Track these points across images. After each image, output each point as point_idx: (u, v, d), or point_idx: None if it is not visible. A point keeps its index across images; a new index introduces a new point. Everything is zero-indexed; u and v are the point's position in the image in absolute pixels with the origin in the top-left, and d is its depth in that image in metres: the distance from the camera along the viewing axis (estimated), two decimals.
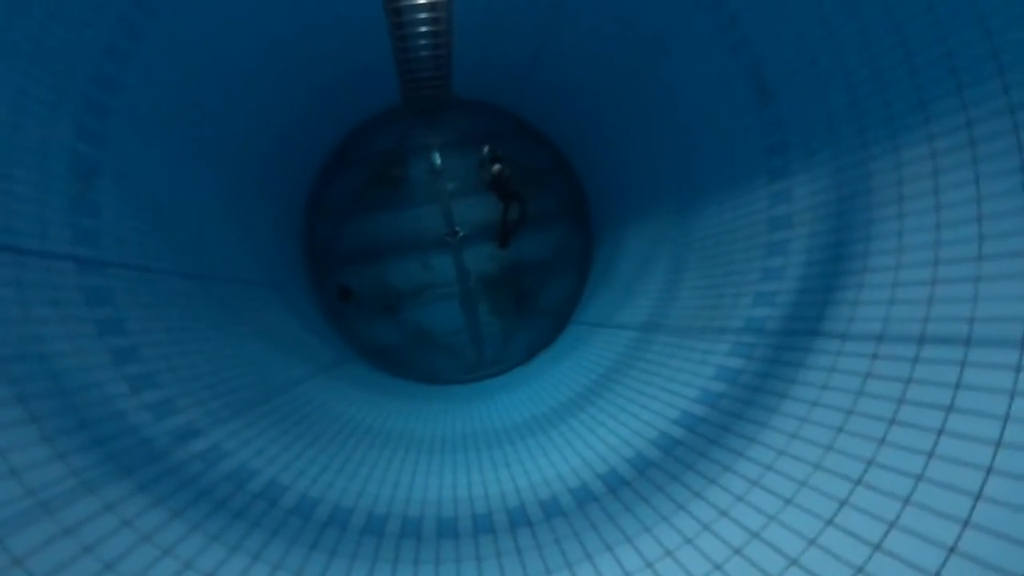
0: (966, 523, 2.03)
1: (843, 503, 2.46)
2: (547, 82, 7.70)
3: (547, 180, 8.59)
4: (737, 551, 2.50)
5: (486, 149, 7.43)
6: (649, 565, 2.67)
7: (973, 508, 2.05)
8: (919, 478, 2.37)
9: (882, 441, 2.58)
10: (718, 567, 2.47)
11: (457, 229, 8.12)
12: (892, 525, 2.27)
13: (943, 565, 2.00)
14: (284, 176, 7.55)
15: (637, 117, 6.19)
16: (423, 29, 6.62)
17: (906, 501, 2.31)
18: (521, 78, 8.01)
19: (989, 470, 2.08)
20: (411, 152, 8.57)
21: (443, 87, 8.57)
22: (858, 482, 2.50)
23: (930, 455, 2.31)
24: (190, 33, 4.47)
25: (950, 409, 2.35)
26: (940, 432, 2.33)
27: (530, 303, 8.23)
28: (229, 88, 5.39)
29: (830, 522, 2.42)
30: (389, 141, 8.61)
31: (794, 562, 2.35)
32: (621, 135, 6.76)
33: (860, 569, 2.21)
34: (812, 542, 2.38)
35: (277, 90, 6.49)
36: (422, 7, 6.16)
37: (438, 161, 8.49)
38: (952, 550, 2.01)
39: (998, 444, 2.10)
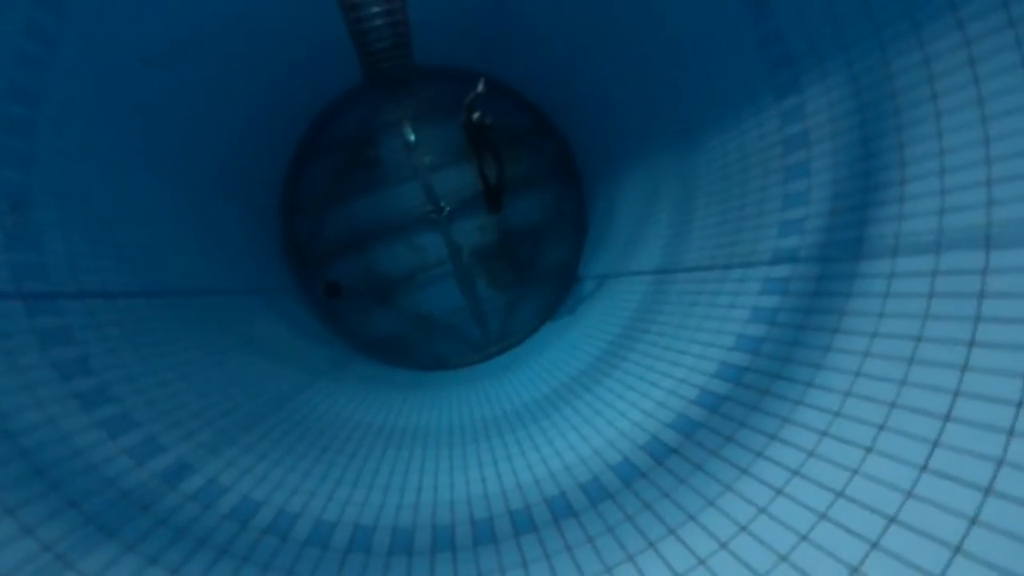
0: None
1: (935, 444, 2.15)
2: (513, 37, 7.21)
3: (529, 140, 8.13)
4: (823, 516, 2.19)
5: (480, 86, 6.22)
6: (743, 528, 2.37)
7: None
8: (1020, 405, 2.06)
9: (964, 368, 2.26)
10: (803, 537, 2.17)
11: (442, 204, 7.70)
12: (1000, 463, 1.96)
13: None
14: (250, 174, 7.10)
15: (617, 56, 5.73)
16: None
17: (1010, 433, 2.00)
18: (485, 36, 7.50)
19: None
20: (381, 130, 8.09)
21: (404, 56, 8.06)
22: (947, 418, 2.18)
23: None
24: (111, 27, 3.99)
25: None
26: None
27: (529, 270, 7.86)
28: (172, 84, 4.91)
29: (924, 468, 2.11)
30: (356, 122, 8.12)
31: (893, 520, 2.04)
32: (602, 79, 6.31)
33: (973, 519, 1.90)
34: (909, 494, 2.07)
35: (228, 80, 6.00)
36: None
37: (411, 135, 8.02)
38: None
39: None
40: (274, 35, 6.19)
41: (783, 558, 2.18)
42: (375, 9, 7.21)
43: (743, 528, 2.35)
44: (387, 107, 8.20)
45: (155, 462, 2.80)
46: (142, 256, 4.02)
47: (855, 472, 2.23)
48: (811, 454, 2.43)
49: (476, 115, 5.95)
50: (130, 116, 4.44)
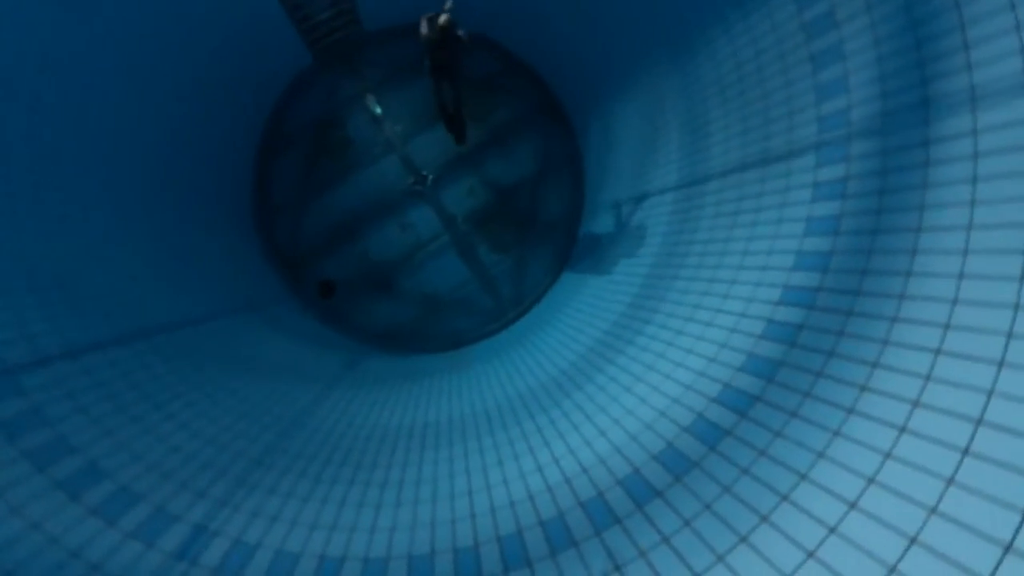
0: None
1: None
2: None
3: (500, 84, 7.53)
4: (950, 481, 1.80)
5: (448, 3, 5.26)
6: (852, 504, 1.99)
7: None
8: None
9: None
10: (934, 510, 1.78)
11: (424, 173, 7.18)
12: None
13: None
14: (213, 184, 6.58)
15: None
16: None
17: None
18: None
19: None
20: (344, 109, 7.51)
21: (352, 24, 7.42)
22: None
23: None
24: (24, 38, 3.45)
25: None
26: None
27: (530, 225, 7.39)
28: (105, 98, 4.39)
29: None
30: (316, 106, 7.53)
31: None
32: (574, 5, 5.70)
33: None
34: None
35: (168, 85, 5.45)
36: None
37: (376, 108, 7.44)
38: None
39: None
40: (208, 32, 5.61)
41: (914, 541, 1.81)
42: None
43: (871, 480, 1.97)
44: (344, 83, 7.59)
45: (168, 537, 2.43)
46: (105, 300, 3.58)
47: (976, 422, 1.83)
48: (927, 379, 2.02)
49: (444, 18, 4.95)
50: (69, 146, 3.94)
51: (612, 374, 3.84)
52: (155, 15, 4.97)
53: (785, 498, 2.15)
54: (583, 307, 5.42)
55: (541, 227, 7.40)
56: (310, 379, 4.89)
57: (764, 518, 2.17)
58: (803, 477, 2.17)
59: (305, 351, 5.69)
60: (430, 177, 7.17)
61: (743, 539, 2.17)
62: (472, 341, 7.18)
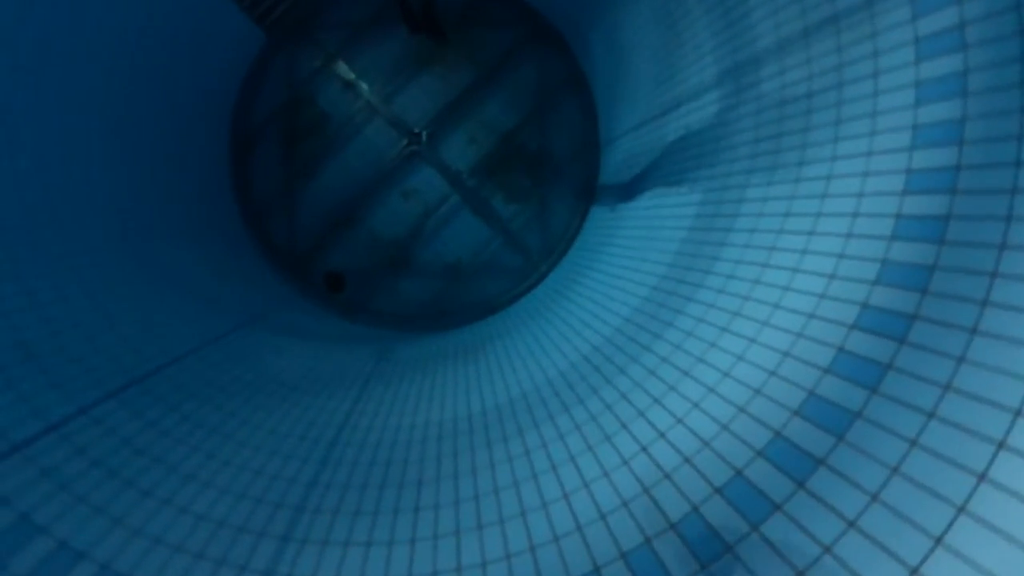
0: None
1: None
2: None
3: (487, 17, 6.68)
4: None
5: None
6: None
7: None
8: None
9: None
10: None
11: (416, 131, 6.43)
12: None
13: None
14: (192, 194, 5.94)
15: None
16: None
17: None
18: None
19: None
20: (311, 82, 6.75)
21: None
22: None
23: None
24: None
25: None
26: None
27: (545, 165, 6.64)
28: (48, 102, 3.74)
29: None
30: (280, 87, 6.79)
31: None
32: None
33: None
34: None
35: (119, 100, 4.78)
36: None
37: (345, 71, 6.67)
38: None
39: None
40: (149, 34, 4.92)
41: None
42: None
43: None
44: (305, 55, 6.80)
45: None
46: (80, 350, 2.99)
47: None
48: None
49: None
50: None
51: (687, 327, 3.19)
52: (86, 31, 4.30)
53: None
54: (628, 245, 4.74)
55: (557, 164, 6.65)
56: (341, 384, 4.32)
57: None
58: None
59: (330, 353, 5.11)
60: (424, 134, 6.43)
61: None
62: (506, 304, 6.56)
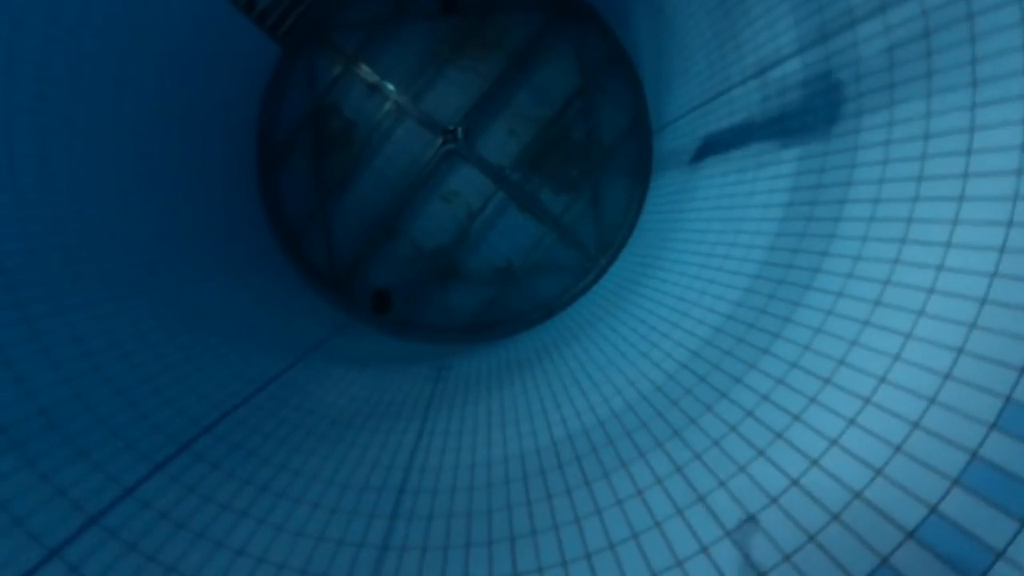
0: None
1: None
2: None
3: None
4: None
5: None
6: None
7: None
8: None
9: None
10: None
11: (450, 128, 5.99)
12: None
13: None
14: (225, 227, 5.62)
15: None
16: None
17: None
18: None
19: None
20: (333, 91, 6.38)
21: None
22: None
23: None
24: None
25: None
26: None
27: (594, 150, 6.12)
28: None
29: None
30: (302, 99, 6.44)
31: None
32: None
33: None
34: None
35: (145, 130, 4.48)
36: None
37: (368, 73, 6.27)
38: None
39: None
40: (167, 59, 4.65)
41: None
42: None
43: None
44: (324, 62, 6.43)
45: None
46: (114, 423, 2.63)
47: None
48: None
49: None
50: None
51: (813, 321, 2.64)
52: (106, 60, 4.02)
53: None
54: (704, 228, 4.20)
55: (606, 149, 6.12)
56: (401, 414, 3.90)
57: None
58: None
59: (386, 379, 4.71)
60: (459, 130, 5.98)
61: None
62: (565, 305, 6.07)
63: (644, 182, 6.06)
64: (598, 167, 6.10)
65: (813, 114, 3.24)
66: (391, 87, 6.16)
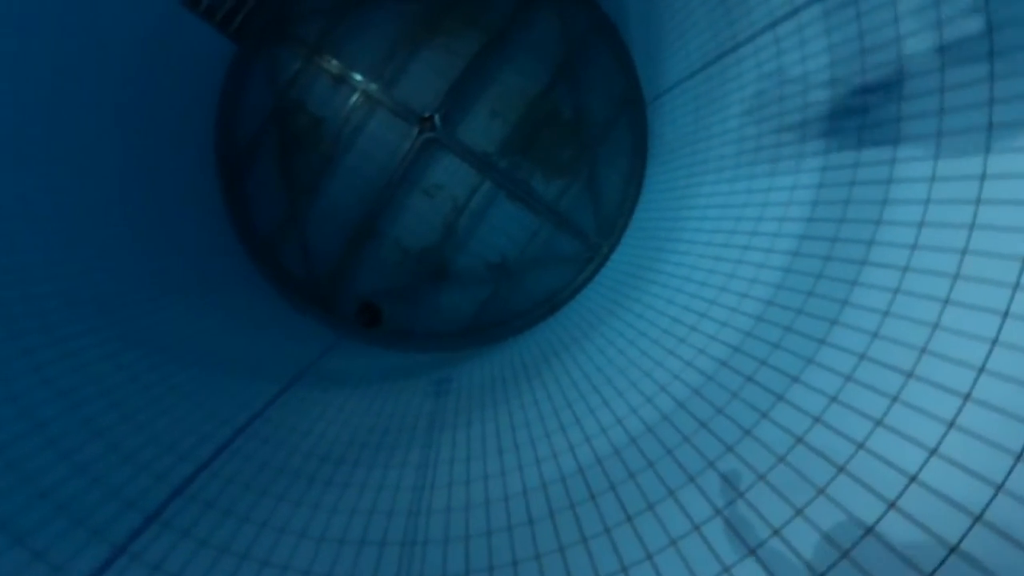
0: None
1: None
2: None
3: None
4: None
5: None
6: None
7: None
8: None
9: None
10: None
11: (427, 115, 5.49)
12: None
13: None
14: (192, 244, 5.12)
15: None
16: None
17: None
18: None
19: None
20: (296, 86, 5.87)
21: None
22: None
23: None
24: None
25: None
26: None
27: (585, 128, 5.65)
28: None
29: None
30: (263, 98, 5.92)
31: None
32: None
33: None
34: None
35: (102, 145, 3.98)
36: None
37: (332, 64, 5.76)
38: None
39: None
40: (123, 65, 4.16)
41: None
42: None
43: None
44: (282, 54, 5.91)
45: None
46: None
47: None
48: None
49: None
50: None
51: (876, 301, 2.20)
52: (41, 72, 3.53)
53: None
54: (726, 204, 3.75)
55: (599, 126, 5.65)
56: (400, 441, 3.45)
57: None
58: None
59: (381, 400, 4.25)
60: (436, 117, 5.48)
61: None
62: (569, 298, 5.62)
63: (642, 157, 5.61)
64: (591, 146, 5.64)
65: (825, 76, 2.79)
66: (359, 76, 5.65)
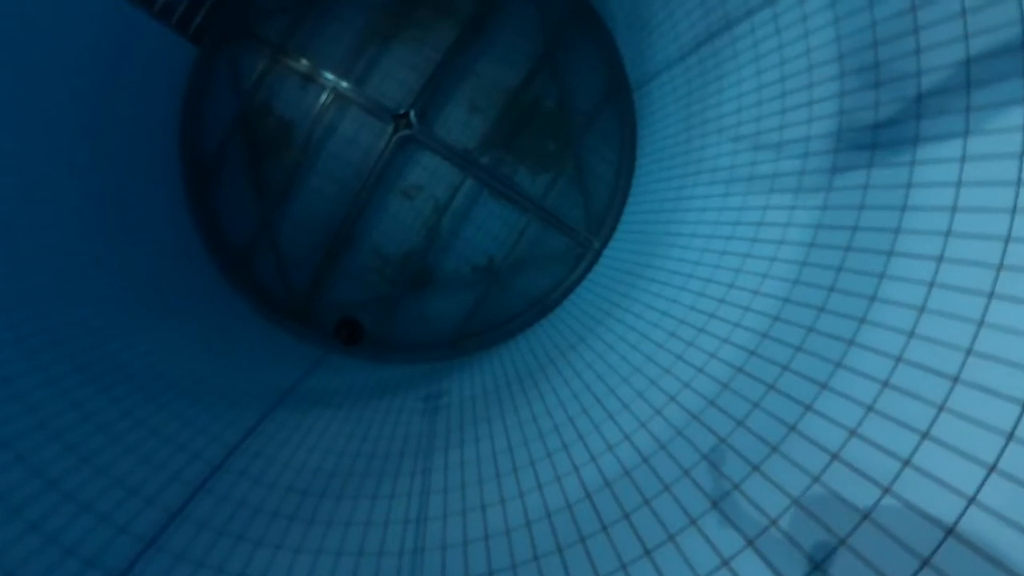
0: None
1: None
2: None
3: None
4: None
5: None
6: None
7: None
8: None
9: None
10: None
11: (402, 111, 5.20)
12: None
13: None
14: (155, 260, 4.82)
15: None
16: None
17: None
18: None
19: None
20: (262, 87, 5.56)
21: None
22: None
23: None
24: None
25: None
26: None
27: (570, 119, 5.39)
28: None
29: None
30: (228, 102, 5.61)
31: None
32: None
33: None
34: None
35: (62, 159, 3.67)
36: None
37: (299, 62, 5.45)
38: None
39: None
40: (84, 75, 3.85)
41: None
42: None
43: None
44: (245, 54, 5.60)
45: None
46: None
47: None
48: None
49: None
50: None
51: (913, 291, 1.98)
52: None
53: None
54: (723, 191, 3.53)
55: (584, 116, 5.40)
56: (387, 469, 3.20)
57: None
58: None
59: (371, 417, 4.00)
60: (412, 113, 5.20)
61: None
62: (561, 298, 5.38)
63: (631, 147, 5.37)
64: (577, 137, 5.39)
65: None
66: (327, 75, 5.36)
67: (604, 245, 5.33)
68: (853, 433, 1.90)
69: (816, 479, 1.90)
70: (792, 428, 2.08)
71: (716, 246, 3.39)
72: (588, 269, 5.33)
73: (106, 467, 2.77)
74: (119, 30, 4.78)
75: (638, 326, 3.55)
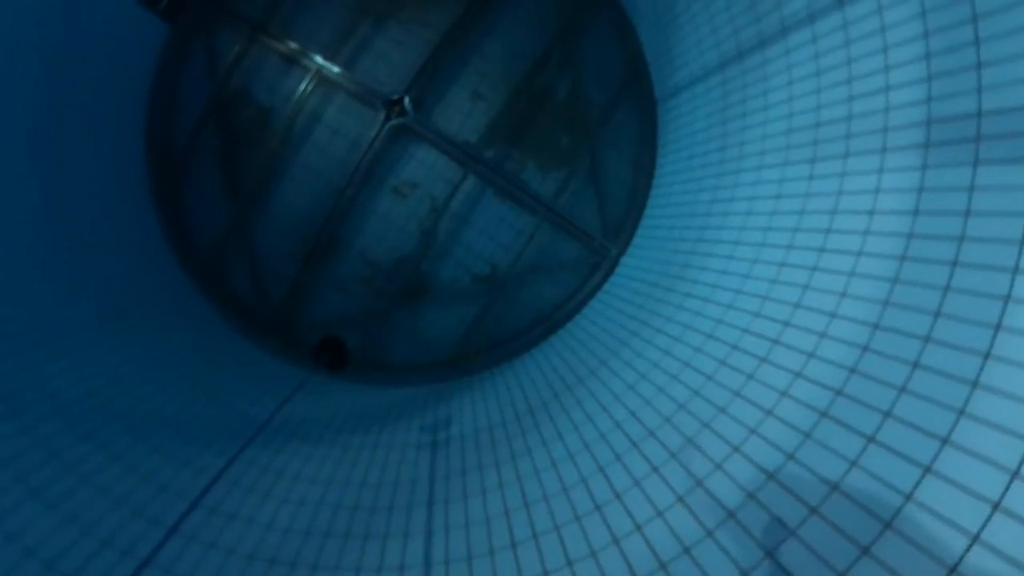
0: None
1: None
2: None
3: None
4: None
5: None
6: None
7: None
8: None
9: None
10: None
11: (395, 97, 4.67)
12: None
13: None
14: (122, 282, 4.29)
15: None
16: None
17: None
18: None
19: None
20: (239, 71, 5.05)
21: None
22: None
23: None
24: None
25: None
26: None
27: (584, 111, 4.89)
28: None
29: None
30: (201, 87, 5.10)
31: None
32: None
33: None
34: None
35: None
36: None
37: (282, 42, 4.93)
38: None
39: None
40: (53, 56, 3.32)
41: None
42: None
43: None
44: (222, 34, 5.09)
45: None
46: None
47: None
48: None
49: None
50: None
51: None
52: None
53: None
54: (779, 176, 3.03)
55: (600, 108, 4.90)
56: (381, 529, 2.66)
57: None
58: None
59: (363, 456, 3.46)
60: (407, 100, 4.67)
61: None
62: (574, 311, 4.87)
63: (652, 142, 4.88)
64: (593, 131, 4.89)
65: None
66: (314, 56, 4.84)
67: (622, 252, 4.82)
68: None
69: None
70: (908, 497, 1.57)
71: (769, 256, 2.89)
72: (604, 280, 4.83)
73: (15, 535, 2.23)
74: (101, 14, 4.32)
75: (675, 351, 3.04)
